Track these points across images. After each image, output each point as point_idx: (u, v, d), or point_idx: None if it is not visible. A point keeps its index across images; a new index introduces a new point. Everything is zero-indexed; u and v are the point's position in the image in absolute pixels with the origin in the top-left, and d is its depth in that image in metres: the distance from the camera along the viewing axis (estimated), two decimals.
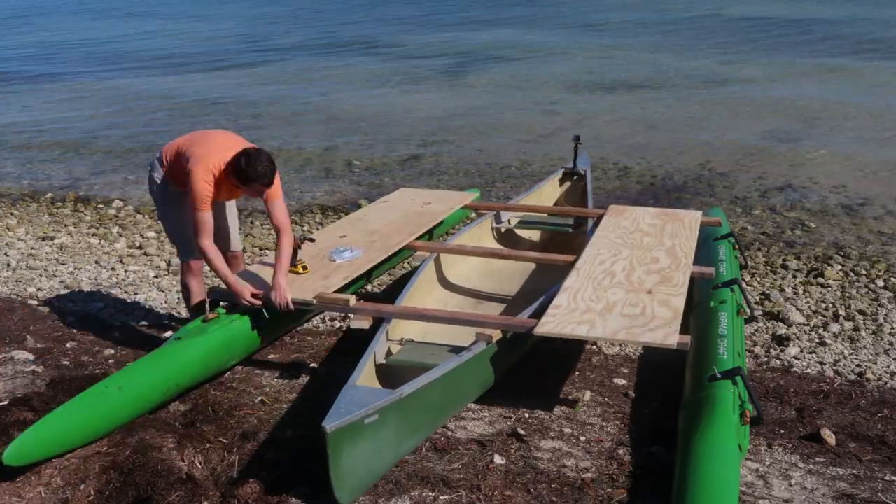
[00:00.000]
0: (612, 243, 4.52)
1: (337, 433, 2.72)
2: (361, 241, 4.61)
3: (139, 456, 3.13)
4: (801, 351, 4.42)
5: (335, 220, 6.11)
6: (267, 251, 6.42)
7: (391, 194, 5.86)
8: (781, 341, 4.54)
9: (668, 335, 3.32)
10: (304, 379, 3.99)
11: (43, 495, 2.95)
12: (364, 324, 3.84)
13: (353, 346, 4.29)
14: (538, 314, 3.94)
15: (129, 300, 5.32)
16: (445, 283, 4.92)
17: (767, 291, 5.32)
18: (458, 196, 5.79)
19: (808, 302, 5.15)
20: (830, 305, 5.08)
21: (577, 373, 4.04)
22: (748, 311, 4.21)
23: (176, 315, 5.07)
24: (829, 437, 3.37)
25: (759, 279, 5.56)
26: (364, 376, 3.29)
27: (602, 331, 3.37)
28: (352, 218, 5.23)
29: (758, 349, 4.46)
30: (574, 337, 3.40)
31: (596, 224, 5.08)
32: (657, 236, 4.63)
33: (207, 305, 3.92)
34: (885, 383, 4.00)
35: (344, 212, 7.26)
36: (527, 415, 3.59)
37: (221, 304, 3.95)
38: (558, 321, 3.47)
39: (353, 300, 3.87)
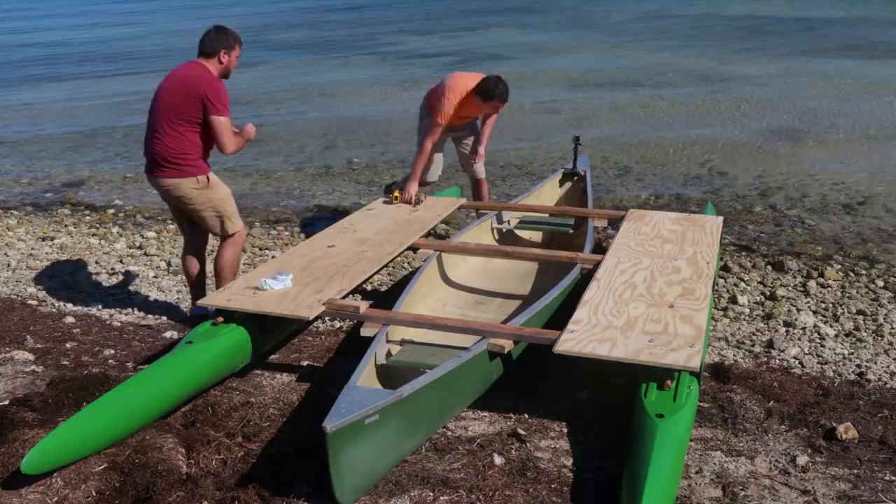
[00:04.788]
0: (632, 251, 4.48)
1: (337, 433, 2.72)
2: (351, 251, 4.55)
3: (139, 456, 3.13)
4: (801, 351, 4.42)
5: (334, 219, 6.08)
6: (268, 251, 6.42)
7: (376, 201, 5.82)
8: (781, 341, 4.54)
9: (692, 356, 3.24)
10: (304, 379, 3.99)
11: (43, 495, 2.95)
12: (374, 331, 3.77)
13: (353, 346, 4.30)
14: (543, 318, 3.95)
15: (129, 300, 5.32)
16: (447, 282, 4.92)
17: (767, 291, 5.32)
18: (444, 202, 5.75)
19: (809, 302, 5.15)
20: (830, 305, 5.08)
21: (577, 372, 4.03)
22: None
23: (175, 315, 5.07)
24: (845, 431, 3.42)
25: (759, 278, 5.56)
26: (364, 377, 3.29)
27: (623, 350, 3.30)
28: (339, 226, 5.13)
29: (757, 349, 4.46)
30: (595, 356, 3.31)
31: (615, 227, 5.05)
32: (678, 243, 4.58)
33: (214, 311, 3.92)
34: (885, 383, 3.99)
35: (343, 211, 7.26)
36: (527, 415, 3.59)
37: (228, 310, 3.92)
38: (578, 339, 3.40)
39: (363, 307, 3.83)
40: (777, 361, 4.28)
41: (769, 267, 5.80)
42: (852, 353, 4.38)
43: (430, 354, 3.69)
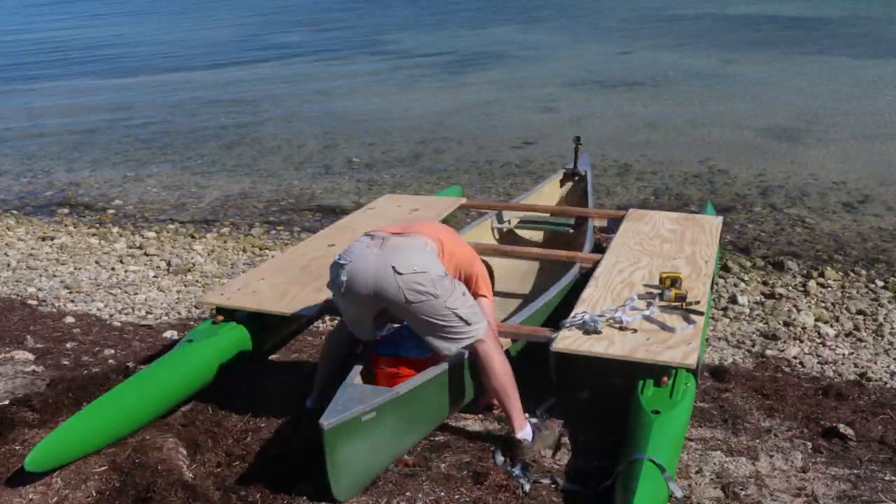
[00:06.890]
0: (631, 251, 4.47)
1: (334, 430, 2.72)
2: None
3: (139, 456, 3.13)
4: (801, 351, 4.42)
5: (334, 219, 6.10)
6: (268, 251, 6.41)
7: (377, 200, 5.80)
8: (781, 341, 4.54)
9: (688, 354, 3.24)
10: (304, 378, 3.98)
11: (43, 495, 2.95)
12: None
13: None
14: (541, 317, 3.94)
15: (129, 300, 5.32)
16: None
17: (767, 291, 5.32)
18: (445, 202, 5.71)
19: (809, 302, 5.15)
20: (830, 305, 5.08)
21: (577, 371, 4.03)
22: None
23: (175, 315, 5.07)
24: (845, 430, 3.41)
25: (759, 278, 5.56)
26: (362, 374, 3.29)
27: (620, 348, 3.31)
28: (339, 226, 5.11)
29: (757, 349, 4.46)
30: (591, 354, 3.32)
31: (616, 227, 5.05)
32: (677, 243, 4.57)
33: (215, 309, 3.92)
34: (885, 383, 3.99)
35: (343, 211, 7.26)
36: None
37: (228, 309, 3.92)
38: (576, 337, 3.41)
39: None
40: (777, 361, 4.28)
41: (769, 267, 5.80)
42: (852, 353, 4.38)
43: None
